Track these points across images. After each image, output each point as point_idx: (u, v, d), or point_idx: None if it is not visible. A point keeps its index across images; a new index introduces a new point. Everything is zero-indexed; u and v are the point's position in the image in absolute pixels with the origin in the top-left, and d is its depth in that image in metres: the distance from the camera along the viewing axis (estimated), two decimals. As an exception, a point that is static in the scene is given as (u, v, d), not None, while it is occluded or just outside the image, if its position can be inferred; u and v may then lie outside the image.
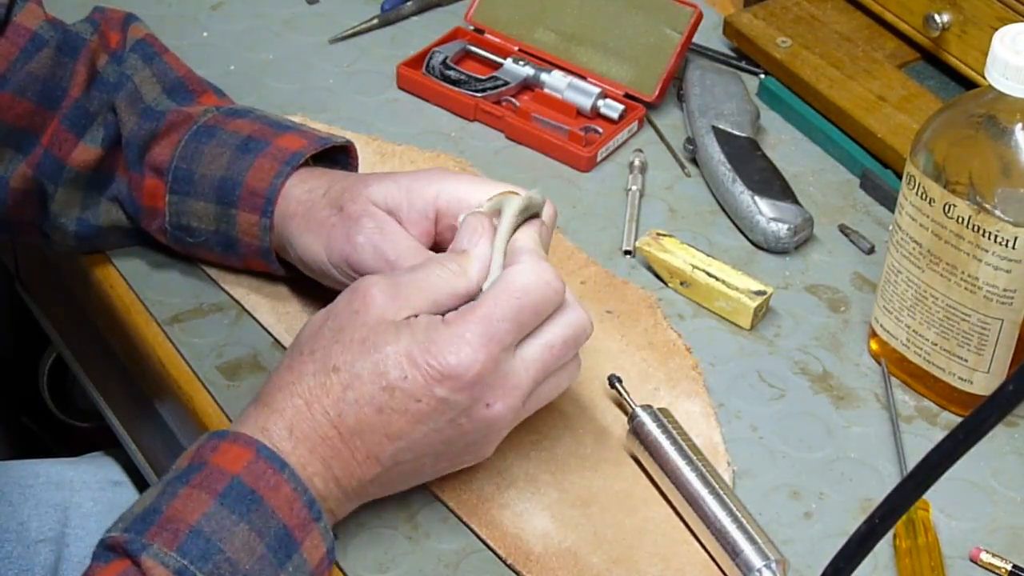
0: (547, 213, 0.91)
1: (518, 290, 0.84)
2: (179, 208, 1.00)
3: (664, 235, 1.07)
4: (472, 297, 0.86)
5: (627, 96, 1.20)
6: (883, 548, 0.90)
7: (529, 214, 0.90)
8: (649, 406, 0.93)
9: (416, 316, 0.84)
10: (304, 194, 0.96)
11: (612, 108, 1.19)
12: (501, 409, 0.84)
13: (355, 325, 0.84)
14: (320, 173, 0.98)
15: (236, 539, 0.78)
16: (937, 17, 1.15)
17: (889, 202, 1.13)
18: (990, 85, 0.89)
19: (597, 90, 1.19)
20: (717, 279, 1.04)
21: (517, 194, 0.89)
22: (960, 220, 0.91)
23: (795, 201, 1.11)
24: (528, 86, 1.22)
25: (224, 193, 0.98)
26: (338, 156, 1.02)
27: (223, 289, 1.04)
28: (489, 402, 0.84)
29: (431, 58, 1.22)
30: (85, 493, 1.19)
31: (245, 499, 0.79)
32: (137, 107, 1.01)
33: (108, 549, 0.79)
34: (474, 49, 1.24)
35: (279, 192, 0.97)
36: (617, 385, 0.96)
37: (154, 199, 1.00)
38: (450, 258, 0.87)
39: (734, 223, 1.12)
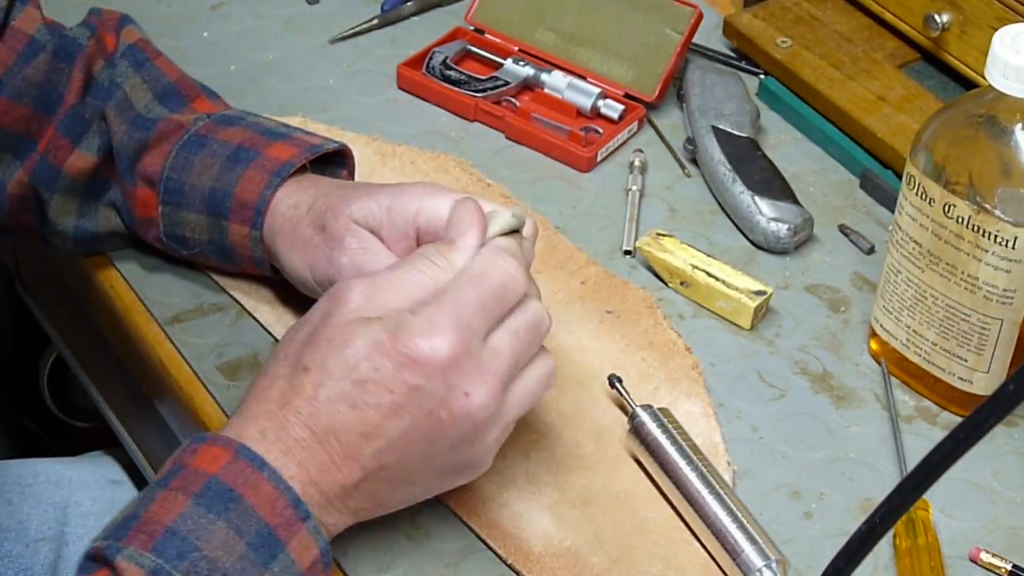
0: (527, 230, 0.89)
1: (482, 278, 0.83)
2: (172, 219, 0.99)
3: (664, 235, 1.07)
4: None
5: (627, 96, 1.20)
6: (883, 548, 0.90)
7: (510, 230, 0.88)
8: (649, 406, 0.94)
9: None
10: (289, 210, 0.95)
11: (612, 108, 1.19)
12: (480, 398, 0.81)
13: (326, 325, 0.82)
14: (308, 185, 0.97)
15: (214, 537, 0.77)
16: (937, 17, 1.15)
17: (889, 202, 1.13)
18: (990, 85, 0.89)
19: (597, 90, 1.19)
20: (717, 279, 1.04)
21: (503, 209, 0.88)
22: (960, 220, 0.91)
23: (795, 201, 1.11)
24: (528, 86, 1.22)
25: (215, 205, 0.98)
26: (335, 159, 1.02)
27: (223, 289, 1.04)
28: (467, 390, 0.81)
29: (431, 58, 1.22)
30: (85, 492, 1.19)
31: (222, 497, 0.78)
32: (127, 115, 1.00)
33: (91, 560, 0.78)
34: (474, 49, 1.24)
35: (268, 204, 0.96)
36: (617, 385, 0.96)
37: (147, 209, 1.00)
38: (436, 250, 0.85)
39: (734, 223, 1.12)
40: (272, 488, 0.79)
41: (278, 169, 0.97)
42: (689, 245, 1.07)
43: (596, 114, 1.19)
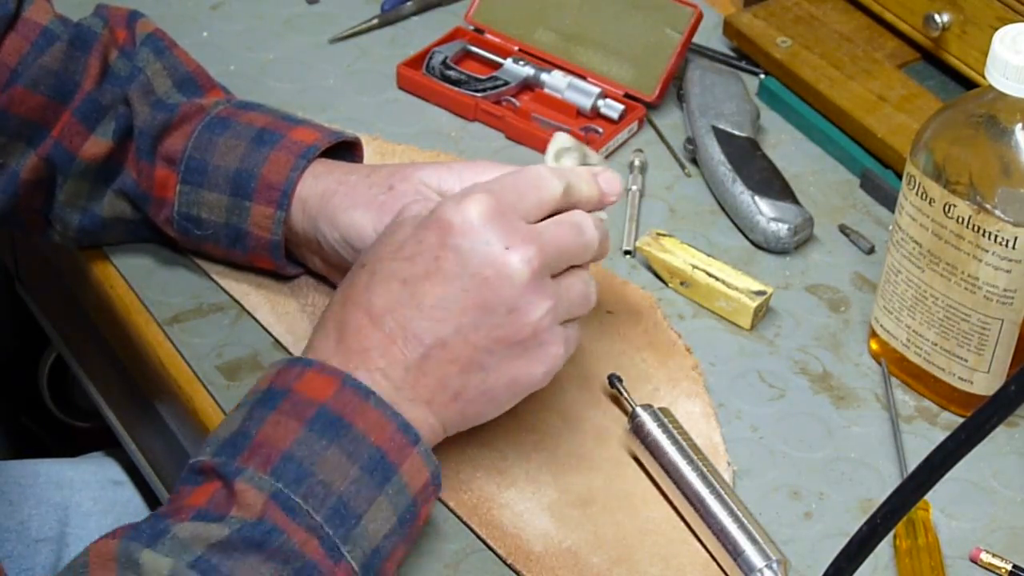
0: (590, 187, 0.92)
1: (519, 171, 0.87)
2: (189, 198, 1.00)
3: (664, 235, 1.07)
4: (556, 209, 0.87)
5: (627, 96, 1.20)
6: (883, 548, 0.90)
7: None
8: (649, 405, 0.94)
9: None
10: (342, 175, 0.97)
11: (612, 108, 1.19)
12: (520, 253, 0.83)
13: (392, 224, 0.88)
14: (334, 167, 0.99)
15: (328, 463, 0.79)
16: (937, 17, 1.15)
17: (889, 202, 1.13)
18: (990, 85, 0.90)
19: (597, 90, 1.19)
20: (717, 279, 1.04)
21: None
22: (960, 220, 0.91)
23: (795, 201, 1.11)
24: (528, 86, 1.22)
25: (239, 185, 0.99)
26: (343, 154, 1.02)
27: (223, 289, 1.04)
28: (507, 245, 0.83)
29: (431, 58, 1.22)
30: (85, 493, 1.19)
31: (333, 424, 0.80)
32: (149, 99, 1.01)
33: (197, 473, 0.80)
34: (474, 49, 1.24)
35: (296, 185, 0.97)
36: (617, 385, 0.96)
37: (164, 189, 1.01)
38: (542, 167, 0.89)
39: (734, 223, 1.12)
40: (380, 415, 0.81)
41: (304, 151, 0.98)
42: (689, 245, 1.07)
43: (596, 114, 1.19)
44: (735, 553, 0.86)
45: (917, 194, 0.93)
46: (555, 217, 0.87)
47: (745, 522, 0.87)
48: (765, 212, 1.09)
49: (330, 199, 0.96)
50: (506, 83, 1.21)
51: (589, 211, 0.89)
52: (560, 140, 0.95)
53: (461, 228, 0.84)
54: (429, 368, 0.84)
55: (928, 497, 0.84)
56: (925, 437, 0.97)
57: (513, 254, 0.84)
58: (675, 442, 0.91)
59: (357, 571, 0.78)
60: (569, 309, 0.87)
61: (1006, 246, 0.90)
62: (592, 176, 0.90)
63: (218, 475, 0.78)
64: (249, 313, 1.02)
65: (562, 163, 0.93)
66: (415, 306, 0.83)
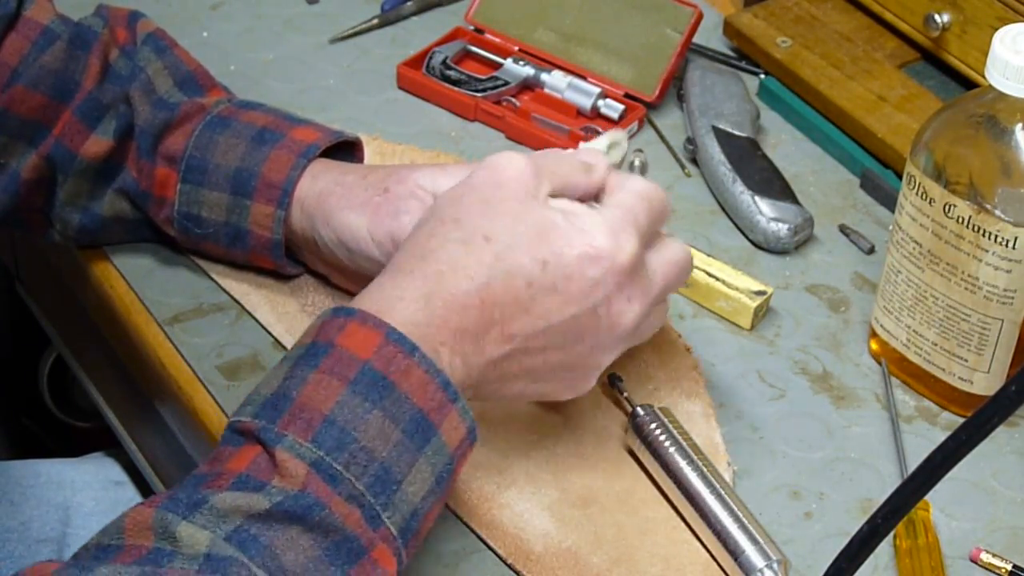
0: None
1: (650, 196, 0.87)
2: (190, 197, 1.00)
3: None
4: (590, 197, 0.88)
5: (627, 96, 1.20)
6: (883, 548, 0.90)
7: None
8: (650, 405, 0.94)
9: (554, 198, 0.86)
10: (339, 176, 0.97)
11: (612, 108, 1.19)
12: (637, 308, 0.86)
13: (503, 198, 0.84)
14: (333, 166, 0.99)
15: (370, 427, 0.77)
16: (937, 17, 1.15)
17: (889, 202, 1.13)
18: (990, 85, 0.90)
19: (597, 90, 1.19)
20: (717, 279, 1.04)
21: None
22: (960, 220, 0.91)
23: (795, 201, 1.11)
24: (528, 86, 1.22)
25: (239, 184, 0.99)
26: (344, 154, 1.02)
27: (223, 289, 1.04)
28: (630, 296, 0.85)
29: (431, 58, 1.22)
30: (86, 493, 1.19)
31: (376, 386, 0.78)
32: (151, 98, 1.01)
33: (238, 433, 0.78)
34: (474, 49, 1.24)
35: (296, 184, 0.97)
36: (617, 385, 0.96)
37: (164, 188, 1.01)
38: (579, 153, 0.90)
39: (734, 223, 1.12)
40: (423, 373, 0.79)
41: (305, 150, 0.98)
42: (689, 245, 1.07)
43: (596, 114, 1.19)
44: (735, 553, 0.86)
45: (917, 194, 0.93)
46: (668, 254, 0.89)
47: (745, 522, 0.87)
48: (765, 212, 1.09)
49: (326, 199, 0.96)
50: (506, 83, 1.21)
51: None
52: (614, 135, 0.95)
53: (606, 262, 0.84)
54: (501, 367, 0.85)
55: (928, 497, 0.84)
56: (925, 437, 0.97)
57: (632, 306, 0.86)
58: (675, 442, 0.91)
59: (396, 535, 0.77)
60: (644, 333, 0.91)
61: (1006, 246, 0.90)
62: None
63: (258, 440, 0.77)
64: (249, 313, 1.02)
65: (612, 155, 0.93)
66: (526, 309, 0.83)
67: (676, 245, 0.90)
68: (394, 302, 0.81)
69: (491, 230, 0.83)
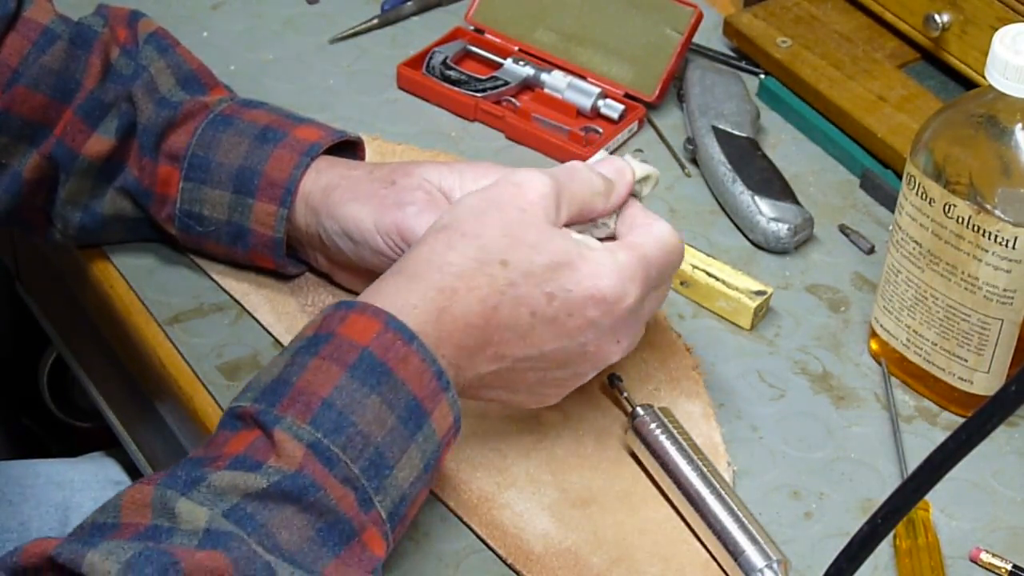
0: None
1: (669, 248, 0.90)
2: (192, 195, 1.00)
3: (664, 235, 1.07)
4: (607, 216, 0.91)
5: (627, 96, 1.20)
6: (883, 548, 0.90)
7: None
8: (650, 405, 0.94)
9: (570, 226, 0.89)
10: (345, 171, 0.97)
11: (612, 108, 1.19)
12: (624, 347, 0.89)
13: (525, 224, 0.86)
14: (342, 160, 0.99)
15: (367, 412, 0.79)
16: (937, 17, 1.15)
17: (889, 202, 1.13)
18: (990, 85, 0.90)
19: (597, 90, 1.19)
20: (717, 279, 1.04)
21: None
22: (960, 220, 0.91)
23: (795, 201, 1.11)
24: (528, 86, 1.22)
25: (242, 182, 0.99)
26: (346, 154, 1.03)
27: (223, 289, 1.04)
28: (620, 338, 0.88)
29: (431, 58, 1.22)
30: (86, 493, 1.19)
31: (375, 371, 0.79)
32: (153, 96, 1.01)
33: (236, 418, 0.79)
34: (474, 49, 1.24)
35: (299, 183, 0.97)
36: (617, 385, 0.96)
37: (167, 186, 1.01)
38: (599, 176, 0.91)
39: (734, 223, 1.12)
40: (420, 360, 0.81)
41: (307, 149, 0.98)
42: (689, 245, 1.07)
43: (596, 114, 1.19)
44: (735, 553, 0.86)
45: (917, 194, 0.93)
46: (659, 294, 0.91)
47: (745, 522, 0.87)
48: (765, 212, 1.09)
49: (332, 192, 0.97)
50: (506, 83, 1.21)
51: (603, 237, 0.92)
52: (647, 169, 0.95)
53: (609, 304, 0.86)
54: (487, 381, 0.87)
55: (928, 497, 0.84)
56: (925, 437, 0.97)
57: (620, 346, 0.89)
58: (675, 442, 0.91)
59: (385, 519, 0.79)
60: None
61: (1006, 246, 0.90)
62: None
63: (257, 423, 0.78)
64: (249, 313, 1.02)
65: (642, 189, 0.94)
66: (524, 336, 0.85)
67: (662, 227, 0.91)
68: (408, 309, 0.82)
69: (510, 256, 0.85)
